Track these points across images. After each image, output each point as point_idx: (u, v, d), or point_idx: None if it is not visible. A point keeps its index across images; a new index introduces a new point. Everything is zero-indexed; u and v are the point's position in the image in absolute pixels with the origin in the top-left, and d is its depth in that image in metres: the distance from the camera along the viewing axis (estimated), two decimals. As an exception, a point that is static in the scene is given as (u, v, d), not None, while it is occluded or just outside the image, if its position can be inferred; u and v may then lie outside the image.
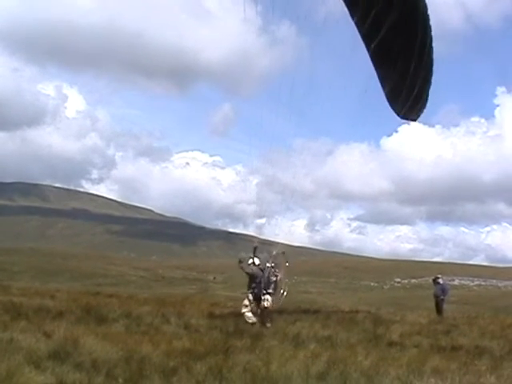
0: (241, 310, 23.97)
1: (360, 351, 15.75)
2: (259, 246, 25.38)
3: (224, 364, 12.69)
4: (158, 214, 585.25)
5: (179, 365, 12.39)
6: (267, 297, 23.76)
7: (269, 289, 23.99)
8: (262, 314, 23.59)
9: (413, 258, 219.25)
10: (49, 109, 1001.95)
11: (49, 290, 36.19)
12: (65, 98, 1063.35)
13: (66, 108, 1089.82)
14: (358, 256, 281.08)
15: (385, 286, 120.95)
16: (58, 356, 12.26)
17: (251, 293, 24.08)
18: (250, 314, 23.44)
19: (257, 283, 24.02)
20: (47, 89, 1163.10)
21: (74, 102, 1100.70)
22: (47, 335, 14.71)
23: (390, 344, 18.79)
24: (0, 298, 24.87)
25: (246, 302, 23.91)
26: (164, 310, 24.39)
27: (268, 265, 24.36)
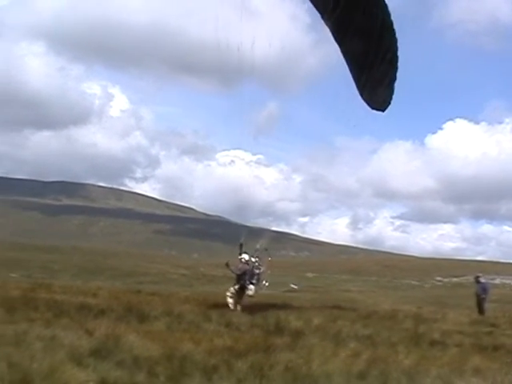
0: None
1: (401, 350, 15.70)
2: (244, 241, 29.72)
3: (265, 362, 12.68)
4: (200, 212, 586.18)
5: (220, 363, 12.39)
6: (251, 286, 28.13)
7: (252, 280, 28.32)
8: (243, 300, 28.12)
9: (455, 257, 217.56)
10: (94, 108, 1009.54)
11: (90, 288, 36.42)
12: (110, 96, 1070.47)
13: (111, 107, 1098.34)
14: (399, 254, 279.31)
15: (426, 285, 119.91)
16: (100, 353, 12.32)
17: (237, 285, 28.11)
18: (231, 301, 27.62)
19: (241, 275, 28.10)
20: (92, 88, 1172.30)
21: (118, 100, 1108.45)
22: (89, 333, 14.79)
23: (432, 343, 18.67)
24: (42, 295, 25.07)
25: (230, 292, 28.08)
26: (205, 308, 24.45)
27: (253, 259, 28.85)
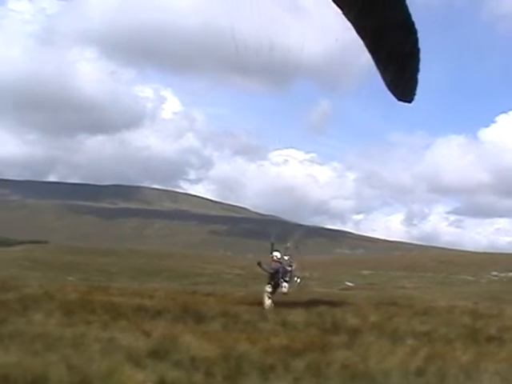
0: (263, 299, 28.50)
1: (458, 346, 15.54)
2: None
3: (321, 361, 12.67)
4: (254, 212, 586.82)
5: (277, 362, 12.40)
6: (284, 284, 29.18)
7: (285, 277, 29.23)
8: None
9: (511, 251, 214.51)
10: (146, 111, 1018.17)
11: (147, 290, 36.70)
12: (162, 99, 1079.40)
13: (163, 110, 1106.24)
14: (454, 250, 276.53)
15: (482, 280, 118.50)
16: (157, 354, 12.43)
17: (270, 284, 28.79)
18: (268, 302, 28.17)
19: (274, 274, 28.82)
20: (144, 91, 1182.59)
21: (170, 103, 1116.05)
22: (146, 334, 14.93)
23: (489, 339, 18.41)
24: (100, 298, 25.33)
25: (268, 293, 28.65)
26: (261, 308, 24.49)
27: (285, 257, 29.65)
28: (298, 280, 30.97)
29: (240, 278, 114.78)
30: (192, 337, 14.46)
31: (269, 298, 28.49)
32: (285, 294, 29.36)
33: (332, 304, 29.86)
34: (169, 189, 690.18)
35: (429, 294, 72.56)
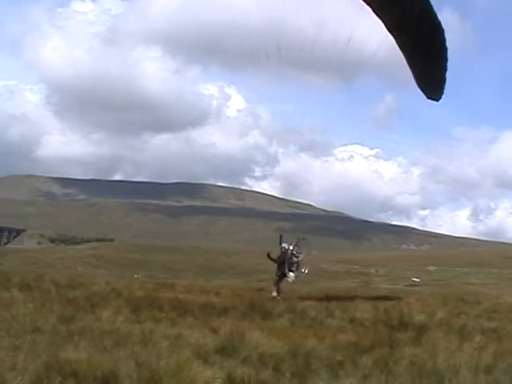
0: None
1: (527, 343, 15.25)
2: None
3: (390, 357, 12.56)
4: (319, 208, 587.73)
5: (345, 358, 12.34)
6: (291, 274, 30.43)
7: (292, 267, 30.51)
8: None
9: None
10: (211, 109, 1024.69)
11: (213, 287, 36.86)
12: (227, 97, 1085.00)
13: (228, 107, 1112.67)
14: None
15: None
16: (225, 351, 12.43)
17: (278, 273, 30.61)
18: (275, 294, 29.82)
19: (281, 264, 30.50)
20: (209, 89, 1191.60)
21: (234, 100, 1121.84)
22: (214, 331, 14.96)
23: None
24: (166, 295, 25.50)
25: (275, 281, 30.82)
26: (328, 304, 24.38)
27: (291, 247, 30.85)
28: (306, 271, 31.87)
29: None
30: (260, 333, 14.44)
31: (276, 286, 30.60)
32: (291, 283, 30.96)
33: (398, 300, 29.69)
34: (234, 186, 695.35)
35: (495, 289, 71.75)
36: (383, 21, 20.40)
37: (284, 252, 30.68)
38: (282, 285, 30.98)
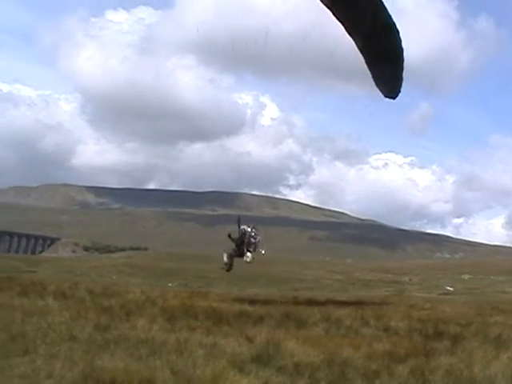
0: None
1: None
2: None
3: (426, 366, 12.52)
4: (353, 217, 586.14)
5: (381, 367, 12.32)
6: (248, 254, 32.83)
7: (250, 248, 33.02)
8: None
9: None
10: (246, 117, 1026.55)
11: (247, 296, 36.90)
12: (261, 105, 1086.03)
13: (263, 116, 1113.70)
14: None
15: None
16: (261, 359, 12.44)
17: (233, 249, 33.60)
18: (225, 260, 33.93)
19: (240, 244, 33.20)
20: (243, 98, 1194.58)
21: (269, 109, 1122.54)
22: (249, 339, 14.94)
23: None
24: (200, 304, 25.53)
25: (227, 253, 33.93)
26: (363, 313, 24.30)
27: (248, 229, 33.58)
28: (263, 252, 35.91)
29: (339, 283, 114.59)
30: (295, 342, 14.42)
31: (227, 257, 34.01)
32: (248, 262, 33.01)
33: (432, 309, 29.52)
34: (268, 195, 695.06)
35: (531, 299, 70.95)
36: (342, 24, 21.34)
37: (243, 233, 33.37)
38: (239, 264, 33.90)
